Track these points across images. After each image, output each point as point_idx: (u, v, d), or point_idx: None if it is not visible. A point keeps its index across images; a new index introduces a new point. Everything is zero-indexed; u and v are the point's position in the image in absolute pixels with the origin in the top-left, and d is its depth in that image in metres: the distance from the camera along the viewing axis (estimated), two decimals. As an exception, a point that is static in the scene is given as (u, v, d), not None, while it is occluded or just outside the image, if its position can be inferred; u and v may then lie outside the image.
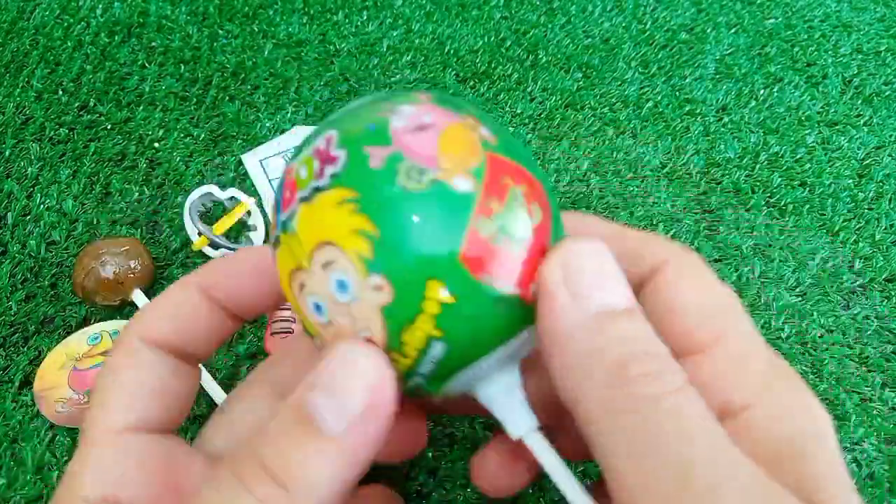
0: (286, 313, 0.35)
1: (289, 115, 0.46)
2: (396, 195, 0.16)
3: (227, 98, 0.47)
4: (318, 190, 0.17)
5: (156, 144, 0.44)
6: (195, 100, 0.47)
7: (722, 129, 0.47)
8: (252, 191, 0.42)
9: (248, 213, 0.40)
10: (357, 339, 0.17)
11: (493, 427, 0.31)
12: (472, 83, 0.49)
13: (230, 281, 0.21)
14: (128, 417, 0.19)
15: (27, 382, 0.33)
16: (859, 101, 0.49)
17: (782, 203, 0.42)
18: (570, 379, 0.16)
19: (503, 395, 0.19)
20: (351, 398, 0.16)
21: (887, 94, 0.49)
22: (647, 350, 0.16)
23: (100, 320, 0.36)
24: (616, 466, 0.16)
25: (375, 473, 0.24)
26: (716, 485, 0.14)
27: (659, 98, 0.48)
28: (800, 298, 0.38)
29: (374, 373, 0.16)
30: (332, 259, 0.16)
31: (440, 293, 0.16)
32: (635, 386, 0.15)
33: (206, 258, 0.39)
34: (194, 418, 0.32)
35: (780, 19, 0.55)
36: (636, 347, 0.16)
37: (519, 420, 0.19)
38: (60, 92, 0.47)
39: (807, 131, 0.47)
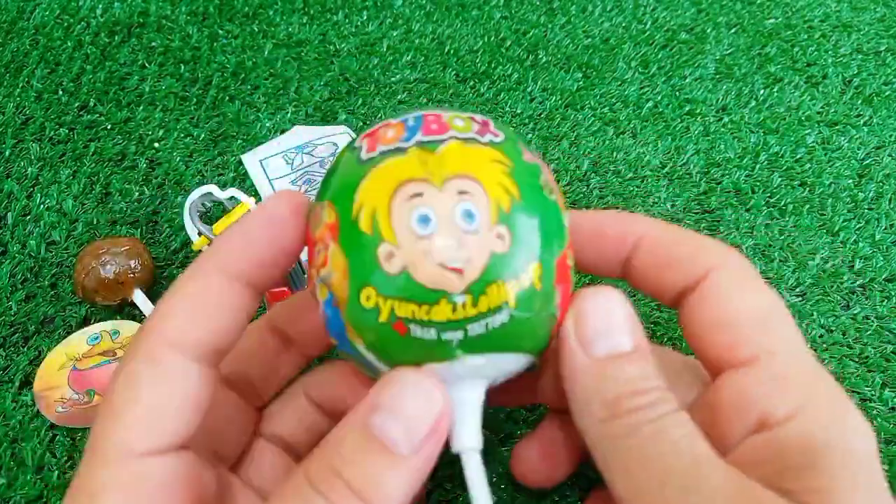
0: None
1: (289, 115, 0.46)
2: (542, 195, 0.20)
3: (227, 98, 0.47)
4: (478, 141, 0.19)
5: (156, 144, 0.44)
6: (195, 100, 0.47)
7: (722, 129, 0.47)
8: (252, 191, 0.42)
9: (249, 212, 0.40)
10: (420, 371, 0.19)
11: (535, 419, 0.31)
12: (472, 83, 0.49)
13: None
14: (150, 439, 0.18)
15: (27, 382, 0.33)
16: (859, 101, 0.49)
17: (782, 203, 0.42)
18: (577, 414, 0.19)
19: (471, 405, 0.20)
20: (420, 424, 0.18)
21: (887, 94, 0.49)
22: (641, 387, 0.18)
23: (100, 320, 0.36)
24: (612, 481, 0.18)
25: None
26: (690, 486, 0.17)
27: (659, 98, 0.48)
28: (800, 298, 0.38)
29: (442, 403, 0.19)
30: (470, 191, 0.18)
31: (538, 274, 0.19)
32: (627, 418, 0.18)
33: (207, 258, 0.39)
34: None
35: (780, 19, 0.55)
36: (631, 386, 0.18)
37: (470, 434, 0.20)
38: (60, 92, 0.47)
39: (807, 131, 0.47)
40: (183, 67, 0.49)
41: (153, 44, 0.51)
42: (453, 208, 0.18)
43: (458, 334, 0.18)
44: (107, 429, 0.18)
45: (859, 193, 0.43)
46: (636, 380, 0.18)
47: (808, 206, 0.42)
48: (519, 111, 0.47)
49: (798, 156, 0.45)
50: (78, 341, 0.35)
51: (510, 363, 0.20)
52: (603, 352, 0.19)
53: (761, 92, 0.49)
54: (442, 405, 0.18)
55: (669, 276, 0.21)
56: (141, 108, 0.46)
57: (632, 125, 0.47)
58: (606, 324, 0.19)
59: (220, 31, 0.52)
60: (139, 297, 0.36)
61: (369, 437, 0.18)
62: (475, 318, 0.18)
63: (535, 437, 0.25)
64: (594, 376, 0.19)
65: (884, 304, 0.37)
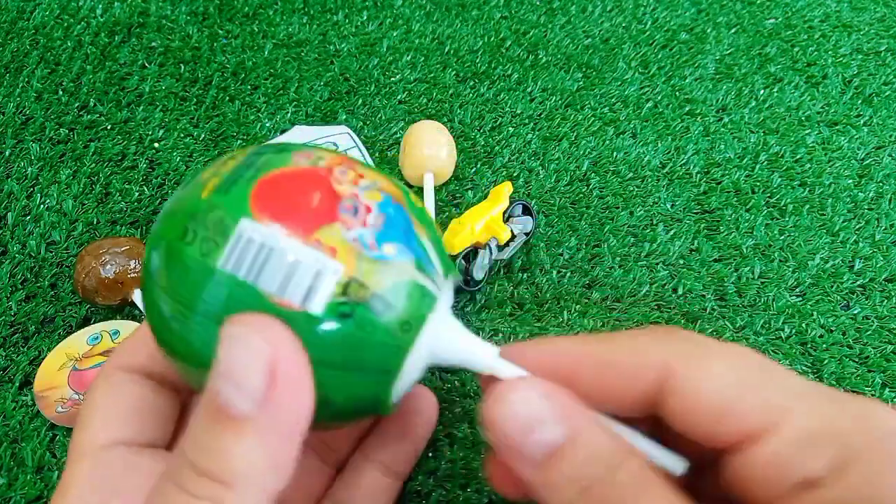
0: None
1: (289, 115, 0.46)
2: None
3: (227, 98, 0.47)
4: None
5: (156, 144, 0.44)
6: (195, 100, 0.47)
7: (722, 129, 0.47)
8: (252, 191, 0.42)
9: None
10: (252, 315, 0.17)
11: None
12: (472, 83, 0.49)
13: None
14: (108, 434, 0.20)
15: (27, 382, 0.33)
16: (859, 101, 0.49)
17: (782, 203, 0.42)
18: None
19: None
20: (251, 376, 0.16)
21: (887, 94, 0.49)
22: (599, 472, 0.17)
23: (100, 320, 0.36)
24: None
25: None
26: None
27: (659, 98, 0.48)
28: (800, 298, 0.38)
29: (268, 347, 0.16)
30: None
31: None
32: (597, 499, 0.16)
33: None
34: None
35: (780, 19, 0.55)
36: (591, 471, 0.17)
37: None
38: (60, 92, 0.47)
39: (807, 131, 0.47)
40: (183, 67, 0.49)
41: (153, 44, 0.51)
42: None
43: (430, 271, 0.20)
44: (76, 438, 0.20)
45: (859, 193, 0.43)
46: (592, 461, 0.17)
47: (808, 206, 0.42)
48: (519, 111, 0.47)
49: (798, 156, 0.45)
50: (78, 341, 0.35)
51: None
52: (540, 450, 0.17)
53: (761, 92, 0.49)
54: (270, 350, 0.16)
55: (723, 429, 0.17)
56: (141, 108, 0.46)
57: (632, 125, 0.47)
58: (528, 421, 0.17)
59: (220, 31, 0.52)
60: (139, 297, 0.36)
61: (213, 411, 0.16)
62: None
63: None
64: (547, 477, 0.17)
65: (884, 304, 0.37)
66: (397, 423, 0.26)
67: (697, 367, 0.18)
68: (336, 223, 0.18)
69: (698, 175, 0.44)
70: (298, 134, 0.45)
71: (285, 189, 0.18)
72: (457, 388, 0.33)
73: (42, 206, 0.41)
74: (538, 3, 0.56)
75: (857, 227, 0.41)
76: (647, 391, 0.18)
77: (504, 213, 0.38)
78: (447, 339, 0.20)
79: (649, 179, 0.43)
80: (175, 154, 0.44)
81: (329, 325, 0.17)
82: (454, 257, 0.36)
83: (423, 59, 0.51)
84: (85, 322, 0.36)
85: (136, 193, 0.42)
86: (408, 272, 0.18)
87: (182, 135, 0.45)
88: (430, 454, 0.31)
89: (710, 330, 0.36)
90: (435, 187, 0.41)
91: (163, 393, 0.22)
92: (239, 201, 0.18)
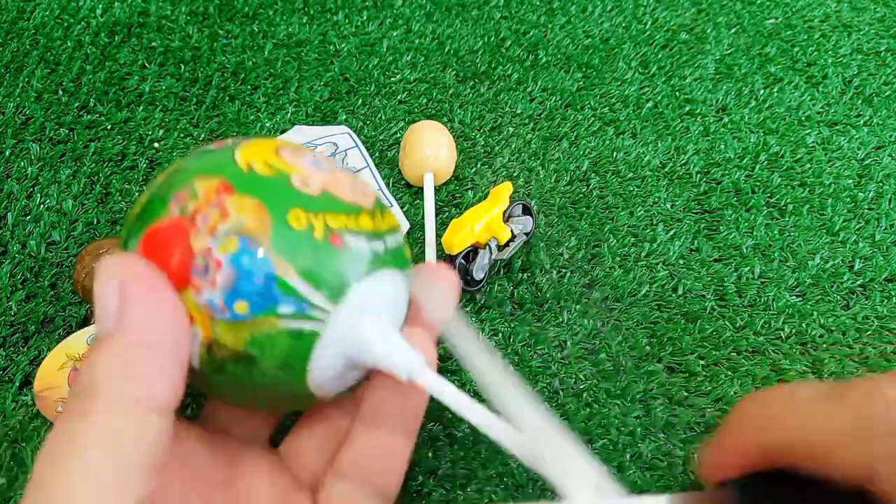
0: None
1: (289, 115, 0.46)
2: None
3: (227, 98, 0.47)
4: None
5: (156, 144, 0.44)
6: (195, 100, 0.47)
7: (722, 129, 0.47)
8: (252, 191, 0.42)
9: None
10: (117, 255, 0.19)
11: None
12: (472, 83, 0.49)
13: None
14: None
15: (27, 382, 0.33)
16: (859, 101, 0.49)
17: (782, 203, 0.42)
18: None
19: (390, 330, 0.21)
20: (107, 300, 0.18)
21: (887, 94, 0.49)
22: None
23: (100, 320, 0.36)
24: None
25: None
26: None
27: (659, 98, 0.48)
28: (800, 298, 0.38)
29: (120, 275, 0.18)
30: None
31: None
32: None
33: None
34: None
35: (780, 19, 0.55)
36: None
37: (405, 355, 0.21)
38: (60, 92, 0.47)
39: (807, 131, 0.47)
40: (183, 67, 0.49)
41: (153, 44, 0.51)
42: (331, 159, 0.20)
43: (381, 245, 0.20)
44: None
45: (859, 193, 0.43)
46: None
47: (808, 206, 0.42)
48: (519, 111, 0.47)
49: (798, 156, 0.45)
50: (78, 341, 0.35)
51: (399, 280, 0.21)
52: None
53: (761, 92, 0.49)
54: (121, 276, 0.18)
55: None
56: (141, 108, 0.46)
57: (632, 125, 0.47)
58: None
59: (220, 31, 0.52)
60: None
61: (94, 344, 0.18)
62: (388, 232, 0.21)
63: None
64: None
65: (884, 304, 0.37)
66: (385, 386, 0.24)
67: None
68: (189, 289, 0.18)
69: (698, 175, 0.44)
70: (298, 134, 0.45)
71: (156, 249, 0.19)
72: (457, 388, 0.33)
73: (42, 206, 0.41)
74: (538, 3, 0.56)
75: (857, 227, 0.41)
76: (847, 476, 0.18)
77: (504, 213, 0.38)
78: (365, 345, 0.20)
79: (649, 179, 0.43)
80: (175, 154, 0.44)
81: (216, 377, 0.19)
82: (454, 257, 0.36)
83: (423, 59, 0.51)
84: (85, 322, 0.36)
85: (136, 193, 0.42)
86: (267, 323, 0.18)
87: (182, 135, 0.45)
88: (431, 454, 0.31)
89: (710, 329, 0.36)
90: (435, 187, 0.41)
91: None
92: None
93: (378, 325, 0.20)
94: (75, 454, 0.16)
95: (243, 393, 0.20)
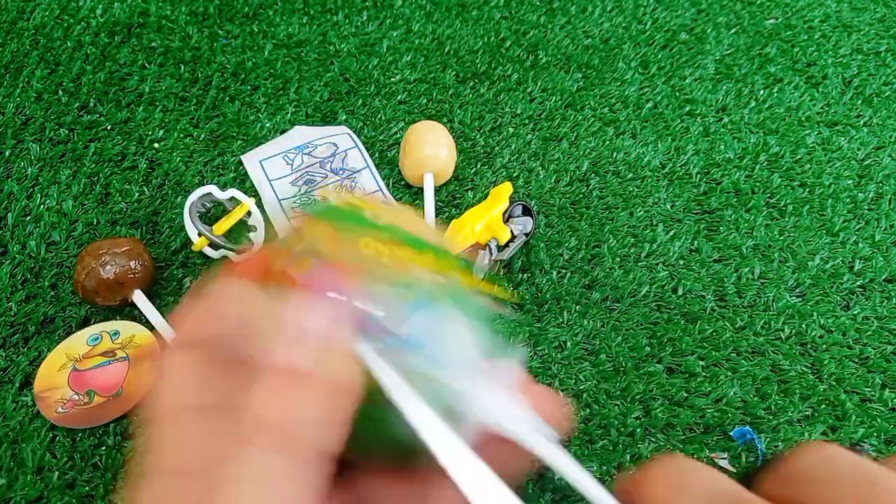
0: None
1: (289, 115, 0.46)
2: None
3: (227, 98, 0.47)
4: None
5: (156, 145, 0.44)
6: (195, 100, 0.47)
7: (722, 130, 0.47)
8: (252, 191, 0.42)
9: (249, 213, 0.40)
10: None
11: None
12: (472, 83, 0.49)
13: None
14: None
15: (27, 383, 0.33)
16: (859, 102, 0.49)
17: (782, 203, 0.42)
18: None
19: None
20: (309, 341, 0.17)
21: (887, 94, 0.49)
22: None
23: (100, 321, 0.36)
24: None
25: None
26: None
27: (659, 98, 0.48)
28: (800, 299, 0.38)
29: (325, 319, 0.18)
30: None
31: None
32: None
33: (207, 259, 0.39)
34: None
35: (780, 19, 0.55)
36: None
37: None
38: (60, 92, 0.47)
39: (807, 132, 0.47)
40: (183, 68, 0.49)
41: (153, 44, 0.51)
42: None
43: (443, 280, 0.20)
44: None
45: (859, 194, 0.43)
46: None
47: (807, 207, 0.42)
48: (519, 111, 0.47)
49: (798, 156, 0.45)
50: (78, 342, 0.35)
51: (465, 327, 0.21)
52: None
53: (761, 92, 0.49)
54: (326, 321, 0.18)
55: None
56: (141, 108, 0.46)
57: (632, 125, 0.47)
58: None
59: (220, 32, 0.52)
60: (139, 298, 0.36)
61: (274, 371, 0.18)
62: (452, 273, 0.21)
63: None
64: None
65: (884, 304, 0.37)
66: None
67: None
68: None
69: (698, 175, 0.44)
70: (298, 134, 0.45)
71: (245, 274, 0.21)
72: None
73: (42, 206, 0.41)
74: (538, 3, 0.56)
75: (857, 227, 0.41)
76: None
77: (504, 213, 0.38)
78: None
79: (649, 180, 0.43)
80: (175, 154, 0.44)
81: None
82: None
83: (423, 59, 0.51)
84: (85, 322, 0.36)
85: (136, 194, 0.42)
86: None
87: (182, 135, 0.45)
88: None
89: (710, 330, 0.36)
90: (435, 187, 0.41)
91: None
92: None
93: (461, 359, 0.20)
94: (273, 489, 0.16)
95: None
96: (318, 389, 0.17)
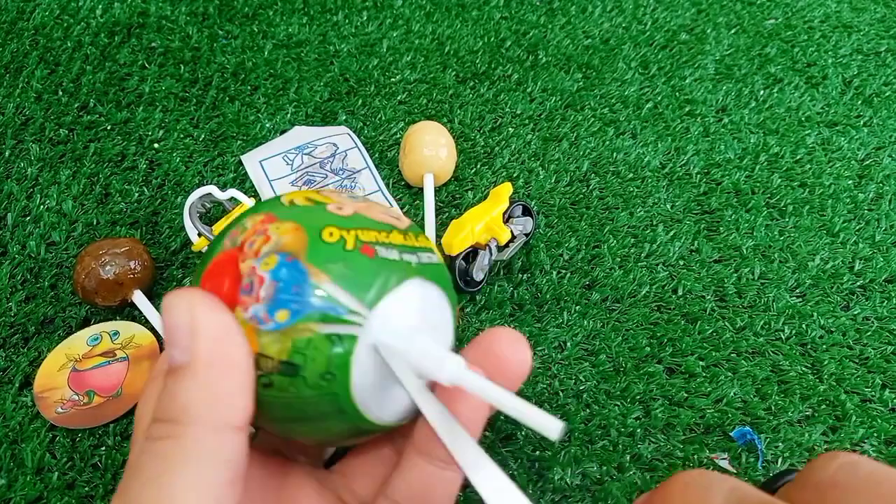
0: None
1: (289, 115, 0.46)
2: None
3: (227, 99, 0.47)
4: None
5: (156, 145, 0.44)
6: (195, 100, 0.47)
7: (722, 130, 0.47)
8: (252, 191, 0.42)
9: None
10: (182, 289, 0.20)
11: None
12: (472, 83, 0.49)
13: None
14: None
15: (27, 383, 0.33)
16: (859, 102, 0.49)
17: (782, 204, 0.42)
18: None
19: (424, 339, 0.22)
20: (179, 335, 0.19)
21: (887, 94, 0.49)
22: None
23: (100, 321, 0.36)
24: None
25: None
26: None
27: (659, 99, 0.48)
28: (800, 299, 0.38)
29: (188, 310, 0.19)
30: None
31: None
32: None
33: (206, 259, 0.39)
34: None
35: (780, 19, 0.55)
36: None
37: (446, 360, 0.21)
38: (60, 92, 0.47)
39: (807, 132, 0.47)
40: (183, 68, 0.49)
41: (153, 44, 0.51)
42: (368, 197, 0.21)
43: (414, 257, 0.22)
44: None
45: (859, 194, 0.43)
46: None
47: (808, 207, 0.42)
48: (519, 111, 0.47)
49: (798, 156, 0.45)
50: (78, 342, 0.35)
51: (436, 294, 0.23)
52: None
53: (761, 92, 0.49)
54: (189, 312, 0.19)
55: None
56: (141, 108, 0.46)
57: (632, 126, 0.47)
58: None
59: (220, 32, 0.52)
60: (139, 298, 0.36)
61: (165, 371, 0.19)
62: (421, 249, 0.22)
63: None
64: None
65: (884, 304, 0.37)
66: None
67: None
68: (238, 307, 0.20)
69: (698, 176, 0.44)
70: (298, 134, 0.45)
71: (212, 279, 0.21)
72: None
73: (42, 206, 0.41)
74: (538, 3, 0.56)
75: (857, 227, 0.41)
76: None
77: (504, 213, 0.38)
78: (401, 347, 0.21)
79: (649, 180, 0.43)
80: (175, 154, 0.44)
81: (264, 394, 0.20)
82: (454, 258, 0.36)
83: (423, 59, 0.51)
84: (85, 323, 0.36)
85: (136, 194, 0.42)
86: (307, 329, 0.20)
87: (182, 135, 0.45)
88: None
89: (710, 330, 0.36)
90: (435, 188, 0.41)
91: None
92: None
93: (414, 329, 0.21)
94: (174, 473, 0.17)
95: (292, 414, 0.21)
96: (194, 374, 0.19)
